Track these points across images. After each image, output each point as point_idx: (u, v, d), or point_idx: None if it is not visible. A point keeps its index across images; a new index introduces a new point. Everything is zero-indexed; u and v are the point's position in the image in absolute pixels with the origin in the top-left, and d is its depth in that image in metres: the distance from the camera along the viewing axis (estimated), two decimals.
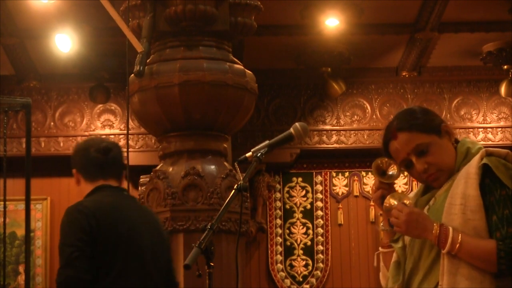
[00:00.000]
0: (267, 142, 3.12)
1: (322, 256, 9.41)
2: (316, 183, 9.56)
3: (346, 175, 9.57)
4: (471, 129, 9.43)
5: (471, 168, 2.86)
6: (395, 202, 2.89)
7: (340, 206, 9.51)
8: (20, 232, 8.89)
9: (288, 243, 9.46)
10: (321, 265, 9.41)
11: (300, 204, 9.54)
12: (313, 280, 9.38)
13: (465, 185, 2.84)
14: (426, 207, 2.94)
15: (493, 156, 2.86)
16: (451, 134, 2.97)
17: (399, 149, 2.92)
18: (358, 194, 9.50)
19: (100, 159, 3.66)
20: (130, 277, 3.52)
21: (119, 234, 3.53)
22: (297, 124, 3.18)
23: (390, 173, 2.96)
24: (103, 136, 3.76)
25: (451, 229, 2.79)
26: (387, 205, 2.91)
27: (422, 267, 2.88)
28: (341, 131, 9.43)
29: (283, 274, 9.39)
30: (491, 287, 2.77)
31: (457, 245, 2.77)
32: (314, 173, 9.59)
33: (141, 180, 5.53)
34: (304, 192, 9.56)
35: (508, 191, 2.81)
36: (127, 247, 3.53)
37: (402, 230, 2.85)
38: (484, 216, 2.81)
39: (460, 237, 2.77)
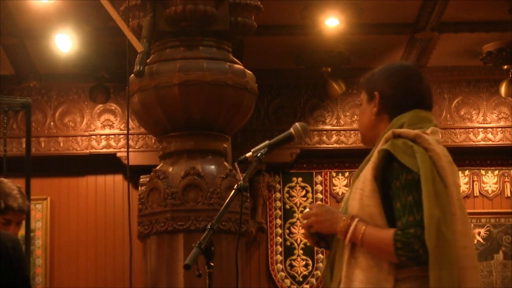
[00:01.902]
0: (267, 142, 3.12)
1: (322, 256, 9.41)
2: (316, 183, 9.56)
3: (346, 175, 9.57)
4: (471, 129, 9.42)
5: (376, 150, 2.79)
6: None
7: (340, 206, 9.50)
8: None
9: (288, 243, 9.46)
10: (321, 265, 9.40)
11: (300, 204, 9.54)
12: (313, 280, 9.38)
13: (367, 167, 2.79)
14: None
15: (401, 138, 2.76)
16: (375, 105, 2.90)
17: None
18: None
19: None
20: None
21: None
22: (297, 124, 3.18)
23: None
24: None
25: (355, 220, 2.73)
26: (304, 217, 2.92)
27: (336, 262, 2.84)
28: (341, 131, 9.42)
29: (283, 274, 9.39)
30: (389, 277, 2.68)
31: (360, 236, 2.71)
32: (314, 173, 9.59)
33: (141, 180, 5.51)
34: (304, 192, 9.57)
35: (415, 175, 2.70)
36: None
37: (313, 224, 2.84)
38: (379, 202, 2.73)
39: (363, 228, 2.71)
